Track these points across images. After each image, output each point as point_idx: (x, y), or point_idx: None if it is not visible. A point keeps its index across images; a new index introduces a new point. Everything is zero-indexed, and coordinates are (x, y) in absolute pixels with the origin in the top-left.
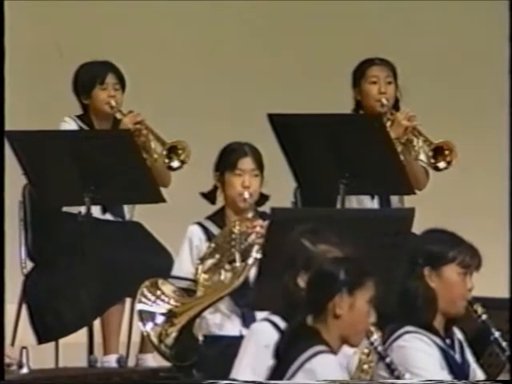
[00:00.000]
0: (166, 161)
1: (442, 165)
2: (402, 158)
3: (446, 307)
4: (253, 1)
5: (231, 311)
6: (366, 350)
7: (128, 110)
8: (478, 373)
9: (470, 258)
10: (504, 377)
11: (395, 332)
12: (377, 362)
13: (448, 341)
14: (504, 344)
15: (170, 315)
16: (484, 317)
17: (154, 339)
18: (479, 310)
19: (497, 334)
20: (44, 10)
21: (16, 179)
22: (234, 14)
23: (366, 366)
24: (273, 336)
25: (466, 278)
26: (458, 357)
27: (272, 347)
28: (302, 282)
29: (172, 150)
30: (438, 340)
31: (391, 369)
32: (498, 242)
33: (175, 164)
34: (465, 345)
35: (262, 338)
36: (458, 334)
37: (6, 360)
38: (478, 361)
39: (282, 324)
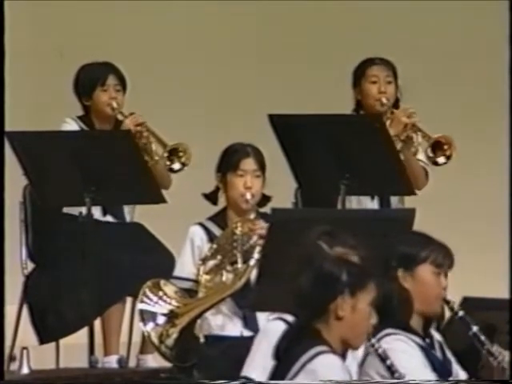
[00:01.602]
0: (167, 163)
1: (441, 160)
2: (402, 156)
3: (422, 307)
4: (253, 1)
5: (233, 312)
6: None
7: (129, 111)
8: (460, 373)
9: (443, 258)
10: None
11: (375, 335)
12: (361, 364)
13: (427, 340)
14: (483, 338)
15: (171, 316)
16: (461, 313)
17: (155, 340)
18: (455, 307)
19: (475, 328)
20: (44, 10)
21: (16, 180)
22: (234, 15)
23: None
24: None
25: (440, 278)
26: (439, 355)
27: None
28: None
29: (173, 152)
30: (417, 339)
31: (392, 371)
32: (498, 243)
33: (176, 166)
34: (444, 346)
35: (274, 336)
36: (436, 335)
37: None
38: (476, 363)
39: None
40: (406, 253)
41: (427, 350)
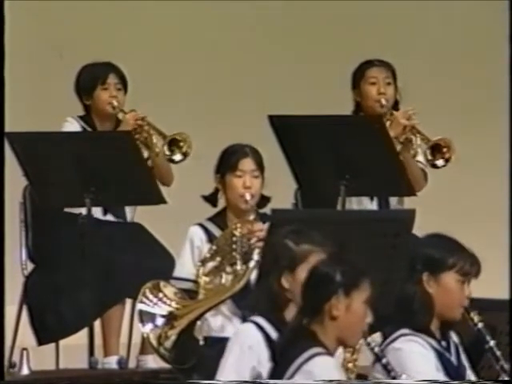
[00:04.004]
0: (168, 153)
1: (440, 162)
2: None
3: (443, 313)
4: (253, 1)
5: (232, 313)
6: (351, 349)
7: (129, 109)
8: (472, 378)
9: (470, 266)
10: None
11: (391, 334)
12: (373, 363)
13: (444, 343)
14: (498, 353)
15: (170, 317)
16: (480, 325)
17: (154, 341)
18: (475, 318)
19: (492, 342)
20: (44, 10)
21: (16, 180)
22: (234, 16)
23: (350, 365)
24: (256, 337)
25: (464, 286)
26: (453, 359)
27: (255, 348)
28: (286, 282)
29: (173, 144)
30: (433, 342)
31: (388, 369)
32: (498, 244)
33: (177, 157)
34: (461, 349)
35: (245, 339)
36: (454, 337)
37: None
38: (477, 363)
39: (266, 325)
40: (433, 257)
41: (442, 354)
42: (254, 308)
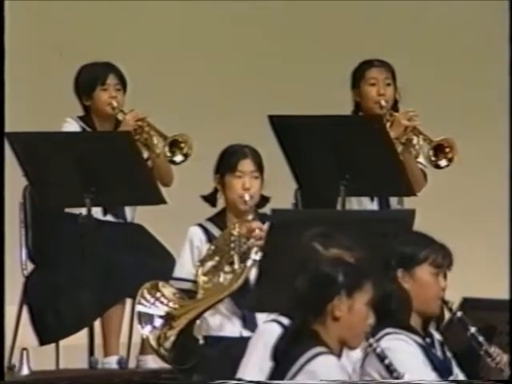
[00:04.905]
0: (169, 155)
1: (443, 163)
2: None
3: (421, 307)
4: (253, 1)
5: (231, 312)
6: None
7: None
8: (459, 374)
9: (442, 258)
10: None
11: (375, 334)
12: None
13: (428, 339)
14: (481, 339)
15: (169, 318)
16: (459, 314)
17: (153, 342)
18: (453, 307)
19: (473, 329)
20: (44, 9)
21: (16, 180)
22: (234, 16)
23: None
24: None
25: (438, 278)
26: (439, 354)
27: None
28: None
29: (174, 145)
30: (417, 338)
31: (390, 370)
32: (498, 244)
33: (178, 158)
34: (445, 346)
35: (270, 338)
36: (436, 335)
37: None
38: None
39: None
40: (406, 253)
41: (427, 349)
42: (277, 307)
